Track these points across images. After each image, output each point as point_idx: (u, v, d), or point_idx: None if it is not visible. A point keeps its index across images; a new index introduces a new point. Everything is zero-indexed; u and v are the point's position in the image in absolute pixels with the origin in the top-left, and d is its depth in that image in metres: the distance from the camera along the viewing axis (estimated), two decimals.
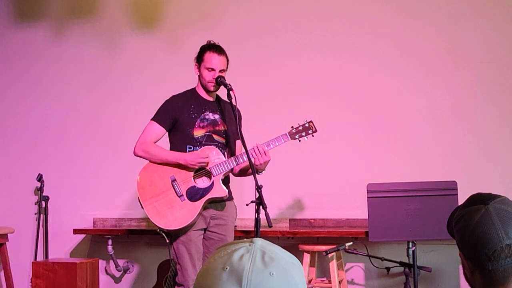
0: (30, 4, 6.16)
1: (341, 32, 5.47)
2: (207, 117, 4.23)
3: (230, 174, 4.33)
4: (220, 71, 4.20)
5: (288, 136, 4.18)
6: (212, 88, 4.22)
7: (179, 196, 4.11)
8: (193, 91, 4.31)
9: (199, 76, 4.27)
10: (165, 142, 4.32)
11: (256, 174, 3.95)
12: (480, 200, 1.64)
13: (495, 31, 5.22)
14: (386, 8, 5.41)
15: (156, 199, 4.12)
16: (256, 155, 4.04)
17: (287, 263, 1.14)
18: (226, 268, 1.10)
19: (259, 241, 1.15)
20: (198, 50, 4.30)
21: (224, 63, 4.24)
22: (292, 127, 4.21)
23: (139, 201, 4.15)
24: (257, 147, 4.06)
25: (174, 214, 4.09)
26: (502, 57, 5.19)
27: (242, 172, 4.32)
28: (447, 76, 5.28)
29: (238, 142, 4.28)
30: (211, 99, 4.30)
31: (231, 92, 4.06)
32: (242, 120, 4.18)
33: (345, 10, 5.48)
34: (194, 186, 4.13)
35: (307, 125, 4.23)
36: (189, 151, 4.17)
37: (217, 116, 4.26)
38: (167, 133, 4.28)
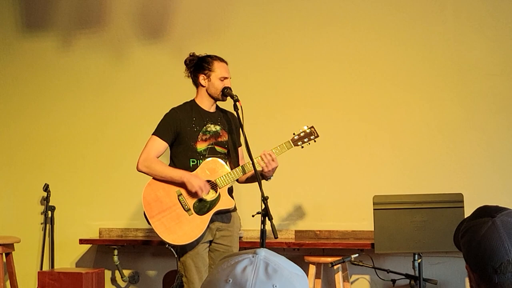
0: (38, 14, 6.18)
1: (349, 44, 5.47)
2: (209, 129, 4.18)
3: (234, 184, 4.26)
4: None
5: (291, 143, 4.14)
6: (223, 98, 4.20)
7: (186, 211, 4.06)
8: (192, 103, 4.24)
9: (205, 87, 4.19)
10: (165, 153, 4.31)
11: (265, 181, 3.94)
12: (487, 212, 1.63)
13: (503, 44, 5.21)
14: (394, 20, 5.41)
15: (163, 214, 4.06)
16: (266, 162, 4.01)
17: (291, 274, 1.13)
18: (229, 281, 1.09)
19: (262, 252, 1.14)
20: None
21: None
22: (294, 133, 4.18)
23: (146, 217, 4.09)
24: (265, 154, 4.03)
25: (183, 228, 4.03)
26: (511, 69, 5.18)
27: (249, 179, 4.25)
28: (454, 88, 5.27)
29: (240, 149, 4.28)
30: (211, 110, 4.25)
31: (237, 103, 4.03)
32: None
33: (353, 22, 5.48)
34: (201, 199, 4.08)
35: (308, 130, 4.19)
36: (192, 164, 4.12)
37: (218, 127, 4.22)
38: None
